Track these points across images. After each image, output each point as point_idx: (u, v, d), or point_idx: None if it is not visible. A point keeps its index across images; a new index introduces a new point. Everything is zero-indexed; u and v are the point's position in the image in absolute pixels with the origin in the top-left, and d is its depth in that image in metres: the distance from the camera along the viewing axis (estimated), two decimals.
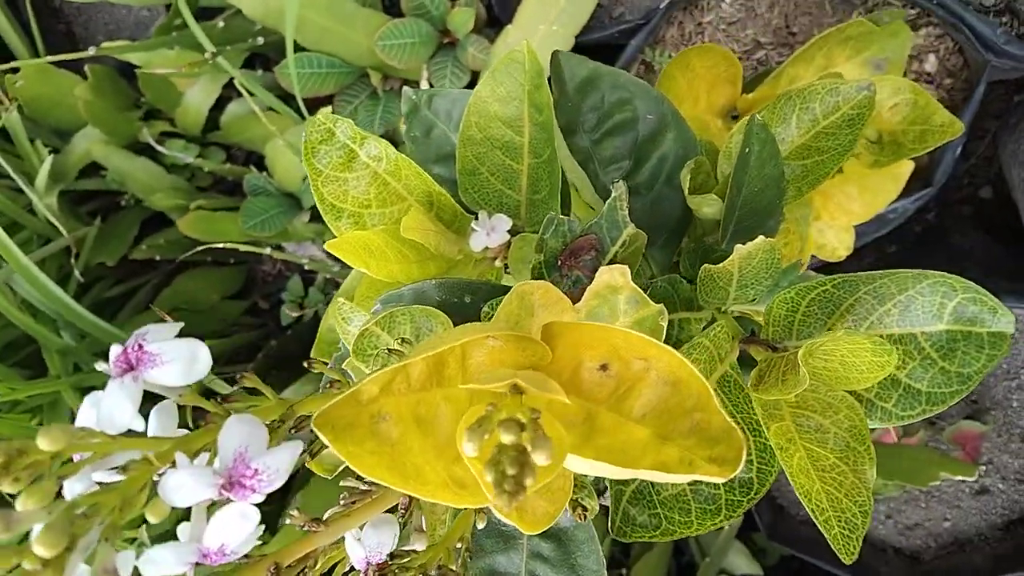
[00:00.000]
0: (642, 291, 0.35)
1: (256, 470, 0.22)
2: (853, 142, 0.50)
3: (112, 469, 0.22)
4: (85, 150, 0.99)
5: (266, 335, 1.12)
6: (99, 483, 0.22)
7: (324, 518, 0.31)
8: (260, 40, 0.94)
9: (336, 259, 1.01)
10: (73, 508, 0.20)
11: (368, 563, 0.33)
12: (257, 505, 0.24)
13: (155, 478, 0.22)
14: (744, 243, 0.42)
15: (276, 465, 0.23)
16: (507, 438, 0.22)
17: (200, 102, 0.99)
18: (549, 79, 0.51)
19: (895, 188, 0.67)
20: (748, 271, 0.43)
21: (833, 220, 0.66)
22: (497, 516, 0.37)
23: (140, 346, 0.23)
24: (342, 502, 0.31)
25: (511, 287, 0.42)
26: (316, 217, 0.98)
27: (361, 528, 0.33)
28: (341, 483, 0.31)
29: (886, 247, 0.99)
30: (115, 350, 0.23)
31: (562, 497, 0.32)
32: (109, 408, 0.22)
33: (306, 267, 0.98)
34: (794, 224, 0.61)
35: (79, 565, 0.19)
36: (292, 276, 1.10)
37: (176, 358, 0.23)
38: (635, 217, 0.42)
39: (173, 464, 0.22)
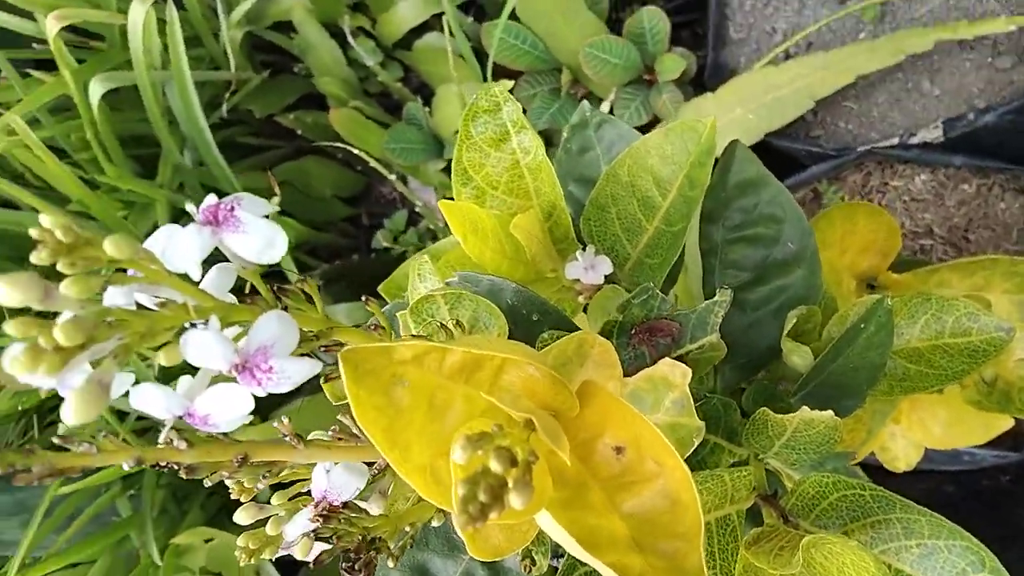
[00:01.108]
0: (693, 400, 0.35)
1: (271, 367, 0.23)
2: (966, 373, 0.48)
3: (154, 298, 0.23)
4: (288, 7, 1.03)
5: (353, 248, 1.15)
6: (138, 305, 0.23)
7: (307, 438, 0.31)
8: None
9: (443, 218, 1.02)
10: (104, 314, 0.21)
11: (324, 498, 0.33)
12: (255, 397, 0.24)
13: (185, 326, 0.23)
14: (813, 408, 0.41)
15: (291, 372, 0.23)
16: (495, 466, 0.22)
17: (406, 18, 1.02)
18: (717, 160, 0.51)
19: (984, 434, 0.64)
20: (801, 436, 0.42)
21: (909, 432, 0.63)
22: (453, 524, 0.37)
23: (232, 208, 0.24)
24: (330, 433, 0.31)
25: (578, 329, 0.42)
26: (447, 170, 1.00)
27: (335, 464, 0.33)
28: (338, 416, 0.32)
29: (945, 484, 0.95)
30: (209, 200, 0.24)
31: (520, 540, 0.32)
32: (178, 247, 0.23)
33: (417, 209, 0.99)
34: (869, 416, 0.59)
35: (82, 365, 0.20)
36: (401, 210, 1.12)
37: (257, 235, 0.24)
38: (726, 328, 0.42)
39: (205, 323, 0.23)
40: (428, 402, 0.29)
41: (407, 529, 0.33)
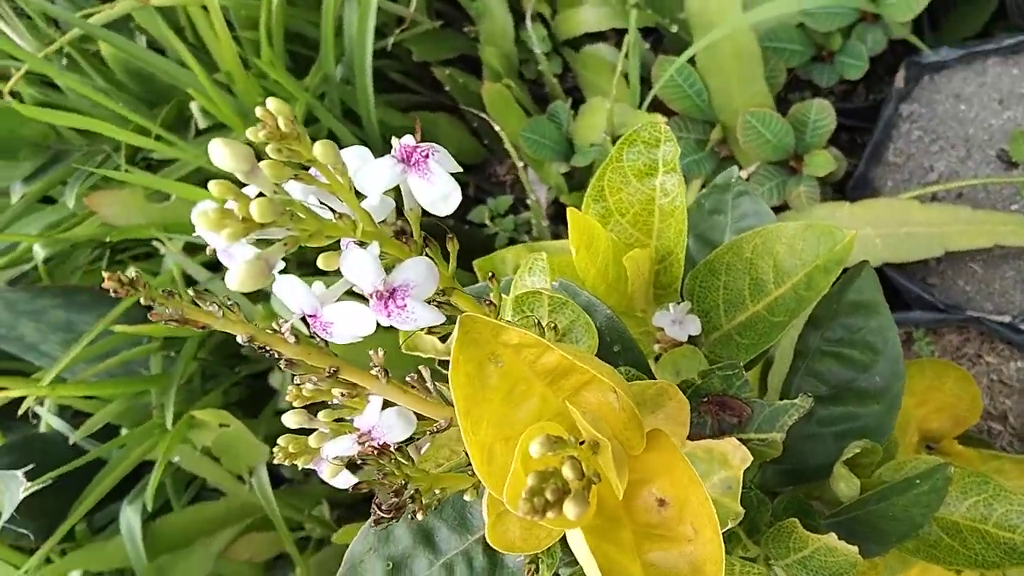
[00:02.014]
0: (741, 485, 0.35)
1: (405, 306, 0.25)
2: (995, 567, 0.47)
3: (320, 204, 0.25)
4: None
5: (452, 216, 1.17)
6: (322, 204, 0.25)
7: (385, 374, 0.33)
8: (674, 28, 0.96)
9: (550, 219, 1.03)
10: (289, 204, 0.22)
11: (368, 433, 0.35)
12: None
13: (345, 240, 0.24)
14: (841, 538, 0.41)
15: (418, 315, 0.25)
16: (566, 472, 0.23)
17: (587, 22, 1.03)
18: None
19: None
20: (819, 560, 0.42)
21: None
22: (479, 506, 0.38)
23: (426, 155, 0.25)
24: (407, 378, 0.33)
25: (653, 376, 0.43)
26: (570, 176, 1.01)
27: (391, 407, 0.35)
28: (419, 366, 0.33)
29: None
30: (408, 140, 0.26)
31: (534, 545, 0.33)
32: (370, 172, 0.24)
33: (527, 201, 1.01)
34: (883, 566, 0.59)
35: (250, 244, 0.22)
36: (507, 195, 1.14)
37: (438, 186, 0.25)
38: (788, 433, 0.42)
39: (363, 244, 0.24)
40: (510, 388, 0.30)
41: (436, 492, 0.35)
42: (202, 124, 0.91)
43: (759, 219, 0.55)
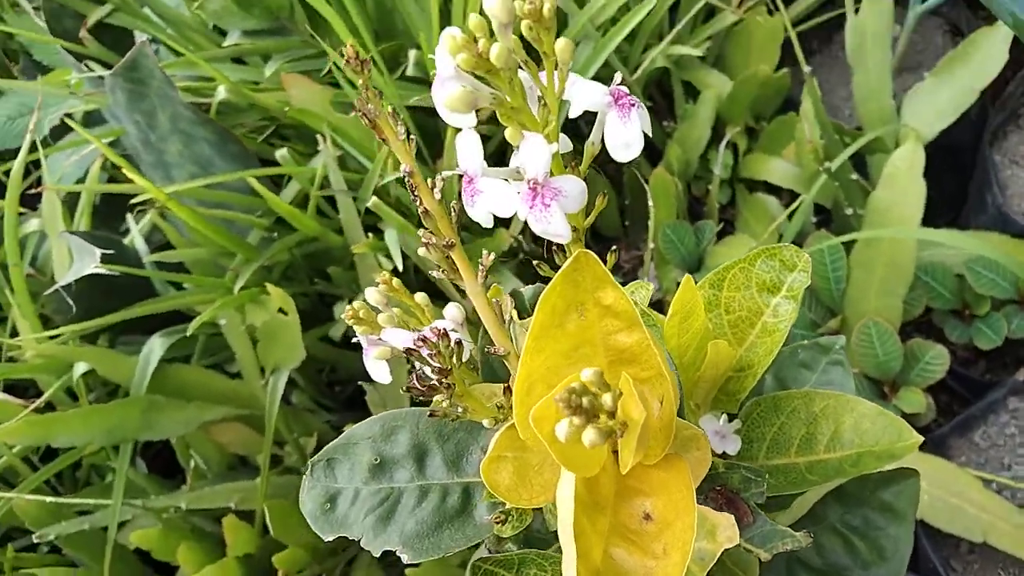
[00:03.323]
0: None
1: (549, 206, 0.27)
2: None
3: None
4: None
5: None
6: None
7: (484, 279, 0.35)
8: (848, 211, 0.99)
9: None
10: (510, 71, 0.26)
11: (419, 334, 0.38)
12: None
13: (529, 133, 0.28)
14: None
15: (555, 222, 0.28)
16: (605, 400, 0.25)
17: (775, 174, 1.07)
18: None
19: None
20: None
21: None
22: (478, 454, 0.40)
23: (633, 103, 0.28)
24: (493, 298, 0.35)
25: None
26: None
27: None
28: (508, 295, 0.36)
29: None
30: (623, 87, 0.29)
31: (516, 495, 0.35)
32: (585, 88, 0.28)
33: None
34: None
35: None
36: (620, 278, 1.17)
37: (628, 133, 0.28)
38: None
39: (546, 139, 0.28)
40: (577, 346, 0.32)
41: (458, 408, 0.37)
42: (411, 72, 0.98)
43: (838, 388, 0.56)
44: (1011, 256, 0.89)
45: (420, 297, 0.41)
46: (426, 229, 0.31)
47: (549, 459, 0.36)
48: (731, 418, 0.53)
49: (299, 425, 1.01)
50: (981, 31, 0.97)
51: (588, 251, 0.29)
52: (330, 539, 0.40)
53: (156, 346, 0.91)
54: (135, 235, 0.99)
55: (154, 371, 0.91)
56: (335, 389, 1.17)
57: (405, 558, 0.38)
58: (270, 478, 0.94)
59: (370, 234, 0.89)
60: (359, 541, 0.40)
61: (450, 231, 0.31)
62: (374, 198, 0.81)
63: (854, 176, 0.98)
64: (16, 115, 1.07)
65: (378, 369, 0.44)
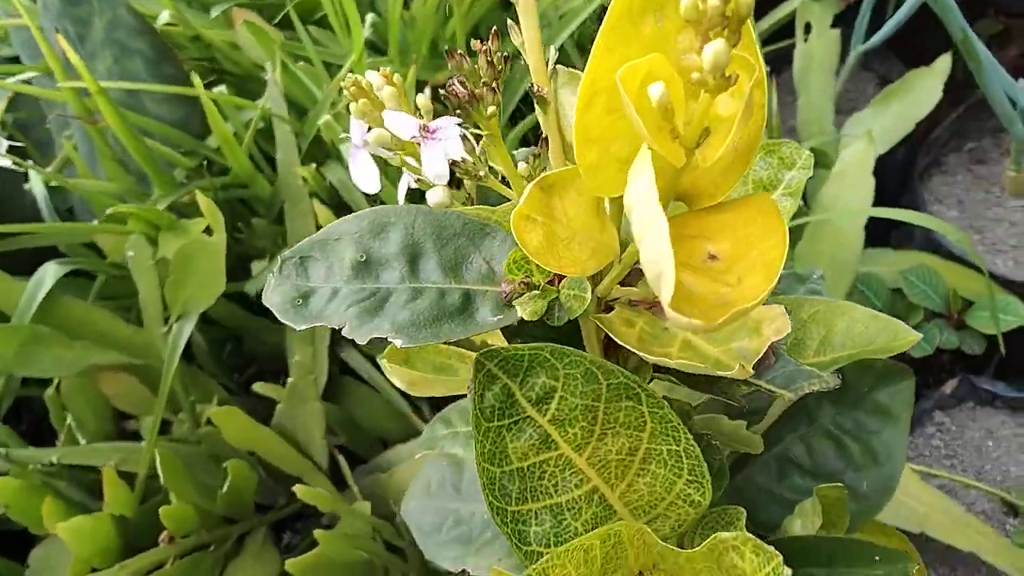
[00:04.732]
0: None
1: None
2: None
3: None
4: None
5: None
6: None
7: None
8: None
9: None
10: None
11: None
12: None
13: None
14: None
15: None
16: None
17: None
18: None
19: None
20: None
21: None
22: (477, 262, 0.35)
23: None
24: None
25: None
26: None
27: None
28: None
29: None
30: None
31: (545, 255, 0.30)
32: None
33: None
34: None
35: None
36: None
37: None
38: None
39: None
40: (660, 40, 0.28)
41: (480, 172, 0.32)
42: None
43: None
44: (942, 275, 0.92)
45: (422, 101, 0.37)
46: None
47: (577, 235, 0.32)
48: None
49: (197, 389, 0.91)
50: (919, 69, 1.03)
51: None
52: (302, 328, 0.34)
53: (49, 272, 0.81)
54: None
55: (42, 302, 0.80)
56: (234, 375, 1.07)
57: (399, 343, 0.32)
58: (159, 442, 0.84)
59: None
60: (341, 330, 0.33)
61: None
62: (328, 116, 0.75)
63: None
64: None
65: (367, 173, 0.39)
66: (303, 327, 0.34)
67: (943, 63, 0.99)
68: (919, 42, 1.08)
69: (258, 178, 0.88)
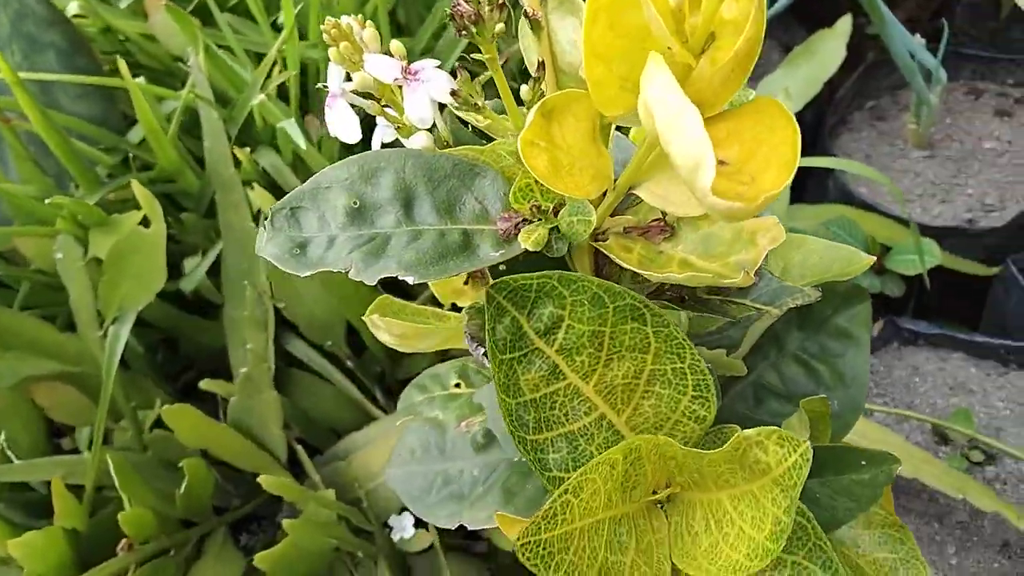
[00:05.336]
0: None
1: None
2: None
3: None
4: None
5: None
6: None
7: None
8: None
9: None
10: None
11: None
12: None
13: None
14: None
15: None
16: None
17: None
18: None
19: None
20: None
21: None
22: (471, 201, 0.36)
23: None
24: None
25: None
26: None
27: None
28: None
29: None
30: None
31: (554, 176, 0.31)
32: None
33: None
34: None
35: None
36: None
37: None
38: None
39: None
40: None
41: (476, 103, 0.33)
42: None
43: None
44: (859, 224, 0.97)
45: (395, 45, 0.37)
46: None
47: (578, 161, 0.33)
48: None
49: (138, 395, 0.88)
50: (822, 31, 1.08)
51: None
52: (306, 275, 0.34)
53: None
54: None
55: None
56: (169, 382, 1.03)
57: (410, 279, 0.32)
58: (103, 453, 0.80)
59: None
60: (347, 273, 0.33)
61: None
62: (263, 96, 0.74)
63: None
64: None
65: (346, 122, 0.39)
66: (307, 273, 0.34)
67: (844, 24, 1.05)
68: (819, 7, 1.14)
69: (185, 171, 0.85)
